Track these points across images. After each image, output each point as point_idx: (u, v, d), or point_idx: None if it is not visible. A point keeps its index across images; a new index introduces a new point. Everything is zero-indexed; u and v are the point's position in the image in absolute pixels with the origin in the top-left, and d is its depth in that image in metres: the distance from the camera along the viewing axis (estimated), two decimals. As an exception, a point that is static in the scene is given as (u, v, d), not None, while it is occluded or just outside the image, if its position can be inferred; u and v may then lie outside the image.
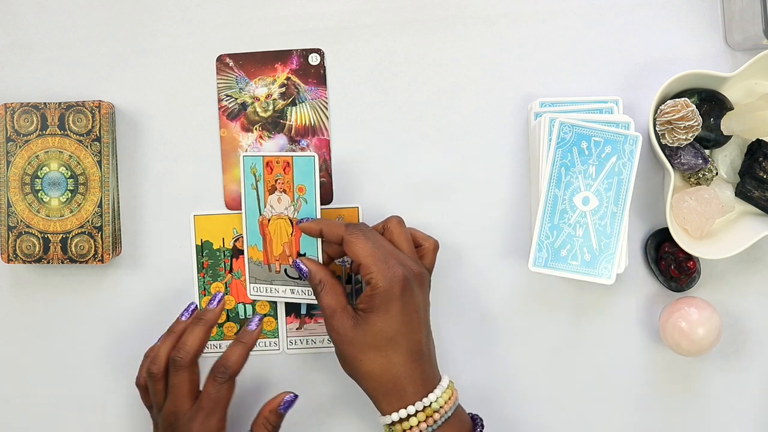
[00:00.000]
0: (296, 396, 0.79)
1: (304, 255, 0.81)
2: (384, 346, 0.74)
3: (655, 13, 0.83)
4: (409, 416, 0.73)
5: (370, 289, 0.74)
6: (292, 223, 0.81)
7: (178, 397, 0.76)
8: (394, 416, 0.74)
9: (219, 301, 0.80)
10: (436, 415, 0.73)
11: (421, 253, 0.79)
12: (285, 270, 0.82)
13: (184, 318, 0.80)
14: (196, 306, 0.81)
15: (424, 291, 0.76)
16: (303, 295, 0.82)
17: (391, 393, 0.74)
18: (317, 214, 0.80)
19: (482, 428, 0.76)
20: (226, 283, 0.84)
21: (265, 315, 0.85)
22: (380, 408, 0.75)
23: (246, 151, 0.85)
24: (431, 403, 0.73)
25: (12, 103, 0.82)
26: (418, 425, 0.73)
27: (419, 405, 0.73)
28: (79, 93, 0.85)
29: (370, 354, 0.74)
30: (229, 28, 0.85)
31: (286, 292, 0.82)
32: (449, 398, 0.75)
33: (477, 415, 0.78)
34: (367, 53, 0.84)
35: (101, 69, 0.85)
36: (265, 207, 0.81)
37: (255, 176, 0.81)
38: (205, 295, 0.84)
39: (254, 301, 0.85)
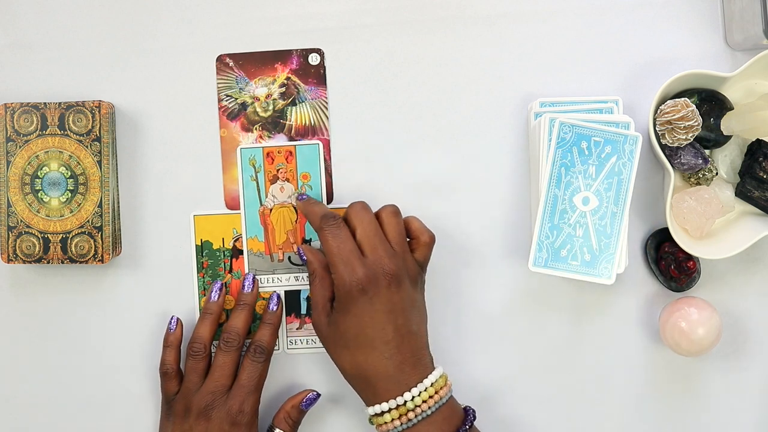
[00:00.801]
0: (319, 394, 0.82)
1: (310, 241, 0.82)
2: (351, 346, 0.75)
3: (655, 13, 0.83)
4: (383, 412, 0.75)
5: (335, 289, 0.76)
6: (296, 211, 0.82)
7: (222, 376, 0.79)
8: (370, 410, 0.76)
9: (252, 284, 0.82)
10: (411, 414, 0.74)
11: (413, 246, 0.80)
12: (289, 257, 0.83)
13: (214, 299, 0.82)
14: (222, 284, 0.83)
15: (398, 289, 0.76)
16: (307, 282, 0.83)
17: (366, 389, 0.76)
18: (324, 201, 0.82)
19: (471, 424, 0.76)
20: (225, 283, 0.84)
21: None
22: (363, 400, 0.77)
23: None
24: (405, 402, 0.74)
25: (12, 103, 0.82)
26: (392, 421, 0.74)
27: (392, 403, 0.74)
28: (79, 93, 0.85)
29: (340, 351, 0.76)
30: (229, 28, 0.85)
31: (290, 280, 0.83)
32: (431, 396, 0.75)
33: (471, 408, 0.78)
34: (367, 53, 0.84)
35: (101, 69, 0.85)
36: (266, 197, 0.82)
37: (254, 167, 0.82)
38: (204, 295, 0.84)
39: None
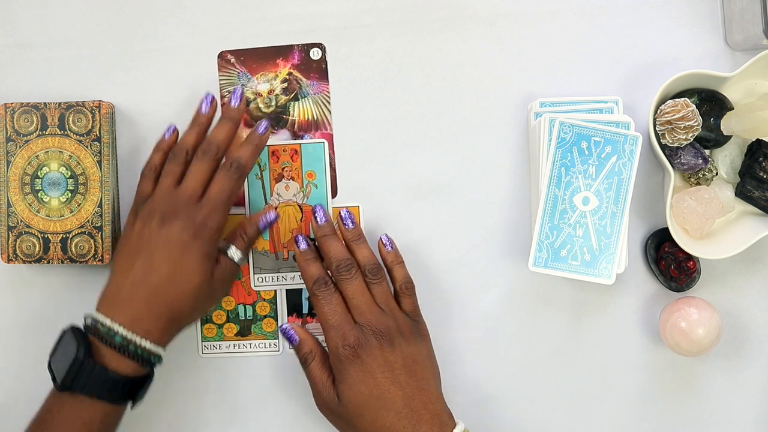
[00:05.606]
0: (278, 215, 0.81)
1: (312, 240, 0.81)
2: (365, 414, 0.73)
3: (655, 13, 0.83)
4: None
5: (331, 360, 0.75)
6: (301, 209, 0.82)
7: (193, 184, 0.76)
8: None
9: (239, 100, 0.80)
10: None
11: (397, 299, 0.79)
12: (293, 256, 0.83)
13: (204, 111, 0.80)
14: (213, 97, 0.81)
15: (391, 349, 0.74)
16: None
17: None
18: (329, 198, 0.82)
19: None
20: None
21: (265, 316, 0.85)
22: None
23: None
24: None
25: (12, 103, 0.82)
26: None
27: None
28: (79, 93, 0.85)
29: (359, 424, 0.73)
30: (229, 28, 0.85)
31: (295, 279, 0.83)
32: None
33: None
34: (367, 53, 0.85)
35: (101, 69, 0.85)
36: (271, 196, 0.82)
37: (259, 166, 0.82)
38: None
39: (255, 302, 0.85)
